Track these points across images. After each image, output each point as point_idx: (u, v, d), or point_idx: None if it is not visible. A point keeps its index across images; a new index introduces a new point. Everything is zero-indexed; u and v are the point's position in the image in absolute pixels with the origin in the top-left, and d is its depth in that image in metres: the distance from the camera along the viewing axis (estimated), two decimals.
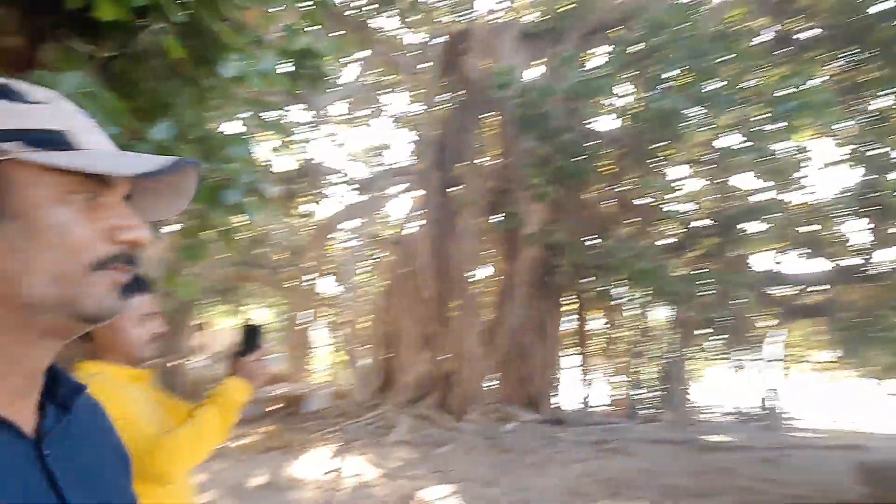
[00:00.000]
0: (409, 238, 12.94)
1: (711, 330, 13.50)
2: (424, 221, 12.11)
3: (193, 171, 0.68)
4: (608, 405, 13.91)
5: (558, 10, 11.30)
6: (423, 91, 12.92)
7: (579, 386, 13.41)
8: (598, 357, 14.57)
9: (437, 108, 12.45)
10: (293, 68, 4.13)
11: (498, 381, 12.06)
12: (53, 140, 0.60)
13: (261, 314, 23.94)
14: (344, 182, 13.79)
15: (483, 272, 12.51)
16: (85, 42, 3.13)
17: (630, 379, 14.04)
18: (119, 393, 1.64)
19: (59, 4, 2.95)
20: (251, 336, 1.84)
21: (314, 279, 15.90)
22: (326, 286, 17.15)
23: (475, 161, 11.73)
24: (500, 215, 11.56)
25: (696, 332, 13.79)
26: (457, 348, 11.54)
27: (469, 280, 11.42)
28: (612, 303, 12.82)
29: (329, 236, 14.93)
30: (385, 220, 16.29)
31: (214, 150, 3.58)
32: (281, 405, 12.32)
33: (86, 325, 0.62)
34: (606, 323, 14.57)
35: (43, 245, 0.59)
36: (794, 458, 8.43)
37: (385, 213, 15.85)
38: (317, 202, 14.93)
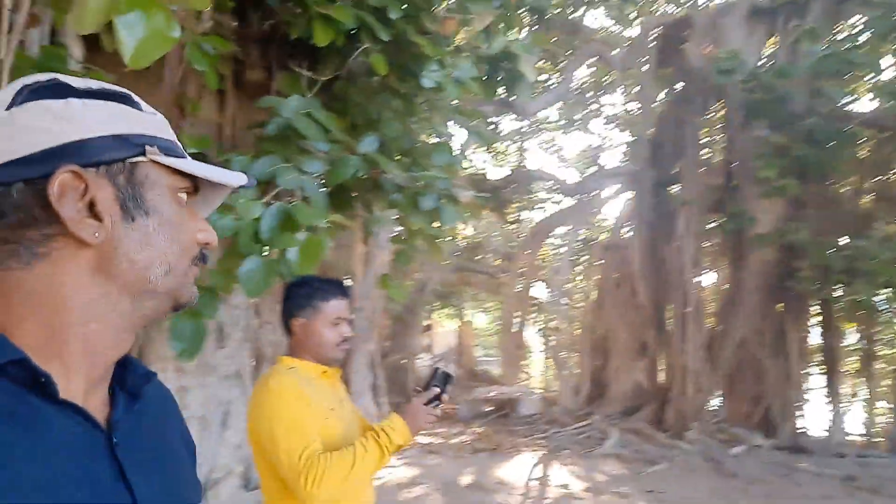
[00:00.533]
0: (623, 242, 12.39)
1: None
2: (638, 224, 11.48)
3: (227, 190, 0.76)
4: (864, 435, 11.73)
5: None
6: (638, 87, 12.31)
7: (827, 410, 11.51)
8: (854, 377, 12.37)
9: (654, 103, 11.76)
10: (489, 73, 4.22)
11: (723, 399, 10.91)
12: (173, 148, 0.68)
13: (478, 317, 24.91)
14: (556, 187, 13.74)
15: (705, 277, 11.46)
16: (307, 68, 3.55)
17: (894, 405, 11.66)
18: (306, 386, 1.80)
19: (287, 36, 3.40)
20: (439, 380, 1.90)
21: (527, 284, 16.06)
22: (539, 291, 17.24)
23: (695, 157, 10.80)
24: (724, 215, 10.48)
25: None
26: (675, 359, 10.70)
27: (689, 286, 10.52)
28: (870, 314, 10.79)
29: (542, 241, 14.97)
30: (598, 224, 15.86)
31: (419, 158, 3.81)
32: (493, 407, 12.63)
33: (173, 312, 0.69)
34: (862, 338, 12.31)
35: (167, 238, 0.66)
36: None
37: (598, 216, 15.43)
38: (529, 208, 15.10)
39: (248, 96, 3.93)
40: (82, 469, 0.60)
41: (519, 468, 7.91)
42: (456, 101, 4.07)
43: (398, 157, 3.67)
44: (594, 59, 11.50)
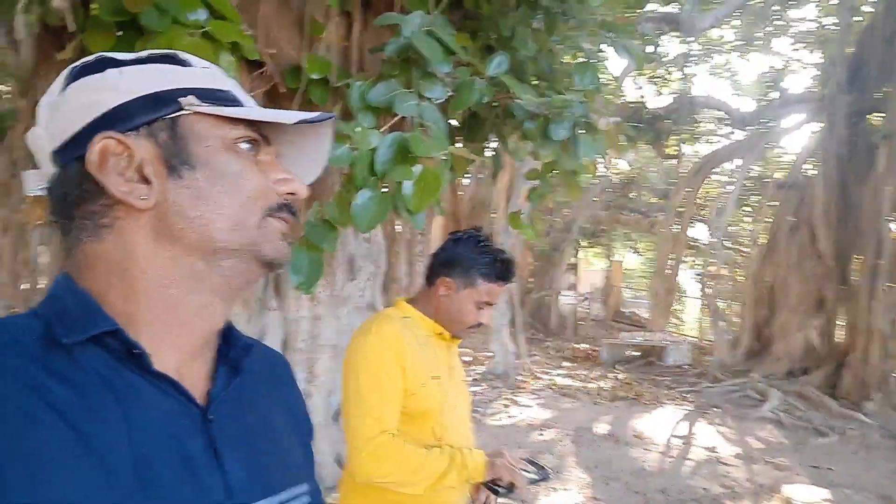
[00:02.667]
0: (804, 180, 10.81)
1: None
2: (825, 160, 9.88)
3: (329, 131, 0.72)
4: None
5: None
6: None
7: None
8: None
9: (856, 16, 9.82)
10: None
11: None
12: (221, 96, 0.66)
13: (629, 258, 23.78)
14: (726, 117, 12.25)
15: None
16: None
17: None
18: (413, 343, 1.60)
19: None
20: (538, 473, 1.68)
21: (686, 224, 14.83)
22: (699, 233, 15.96)
23: None
24: None
25: None
26: (859, 318, 9.28)
27: (884, 234, 8.93)
28: None
29: (705, 178, 13.60)
30: (774, 160, 14.05)
31: (559, 80, 3.36)
32: (638, 353, 12.01)
33: (264, 271, 0.65)
34: None
35: (224, 191, 0.63)
36: None
37: (775, 150, 13.63)
38: (693, 140, 13.75)
39: (375, 16, 3.68)
40: (174, 445, 0.59)
41: (660, 422, 7.42)
42: (607, 16, 3.50)
43: (534, 81, 3.24)
44: None
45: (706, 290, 13.66)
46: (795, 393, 9.02)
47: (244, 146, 0.66)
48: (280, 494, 0.66)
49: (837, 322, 10.10)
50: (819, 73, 10.68)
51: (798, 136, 12.39)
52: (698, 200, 14.39)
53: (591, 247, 21.33)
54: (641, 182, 16.47)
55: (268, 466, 0.67)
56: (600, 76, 3.25)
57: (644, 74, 12.40)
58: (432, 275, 1.72)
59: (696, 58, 12.85)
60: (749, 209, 14.68)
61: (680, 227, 13.89)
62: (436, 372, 1.61)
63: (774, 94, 12.36)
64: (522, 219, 3.71)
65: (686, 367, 11.37)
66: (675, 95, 12.57)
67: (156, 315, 0.62)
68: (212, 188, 0.62)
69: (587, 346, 13.16)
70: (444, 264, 1.70)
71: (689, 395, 9.02)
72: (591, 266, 23.26)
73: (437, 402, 1.59)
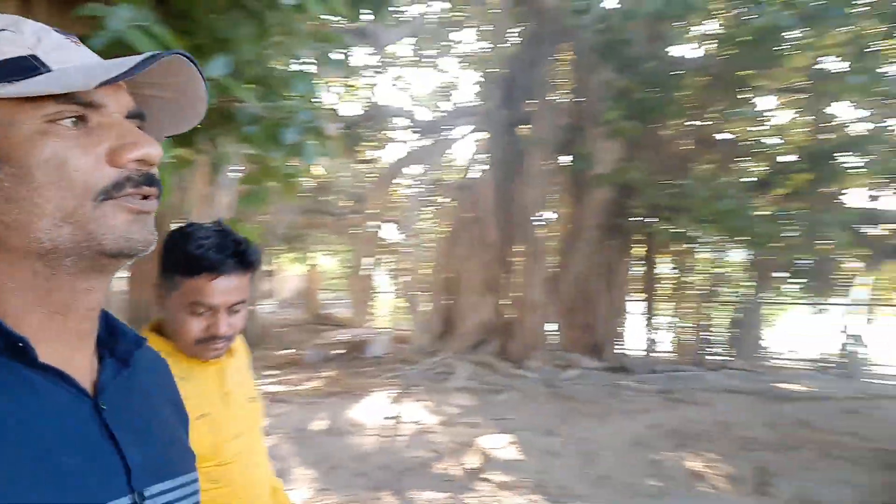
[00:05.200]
0: (474, 182, 12.65)
1: (792, 272, 12.69)
2: (490, 164, 11.74)
3: (193, 70, 0.63)
4: (675, 352, 13.48)
5: None
6: (492, 25, 12.26)
7: (646, 332, 13.00)
8: (667, 302, 14.06)
9: (507, 43, 11.84)
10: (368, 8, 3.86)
11: (561, 328, 11.83)
12: (21, 67, 0.56)
13: (326, 260, 24.49)
14: (408, 125, 13.54)
15: (550, 216, 12.11)
16: None
17: (700, 325, 13.50)
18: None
19: None
20: None
21: (377, 225, 15.95)
22: (389, 232, 17.23)
23: (546, 98, 11.14)
24: (570, 155, 11.03)
25: (774, 275, 13.02)
26: (520, 294, 11.33)
27: (535, 224, 11.06)
28: (685, 245, 12.21)
29: (393, 181, 14.82)
30: (450, 164, 16.03)
31: (275, 87, 3.41)
32: (343, 350, 12.58)
33: (118, 261, 0.60)
34: (675, 267, 13.95)
35: (40, 185, 0.55)
36: (879, 410, 7.88)
37: (450, 156, 15.56)
38: (381, 147, 14.79)
39: (63, 4, 3.24)
40: (72, 435, 0.58)
41: (372, 408, 7.97)
42: (313, 25, 3.70)
43: (250, 85, 3.27)
44: None
45: (399, 284, 14.95)
46: (477, 362, 10.58)
47: (66, 122, 0.57)
48: (176, 479, 0.67)
49: (506, 299, 12.12)
50: (479, 89, 12.62)
51: (467, 144, 14.37)
52: (388, 202, 15.63)
53: (288, 252, 21.33)
54: (334, 186, 17.12)
55: (163, 453, 0.67)
56: (314, 84, 3.44)
57: (338, 83, 13.00)
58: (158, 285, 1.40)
59: (379, 68, 13.96)
60: (432, 209, 16.48)
61: (373, 228, 14.96)
62: (203, 409, 1.34)
63: (447, 106, 14.18)
64: (241, 225, 3.69)
65: (387, 356, 12.29)
66: (363, 104, 13.46)
67: (25, 312, 0.59)
68: (20, 186, 0.55)
69: (292, 350, 13.23)
70: (159, 268, 1.38)
71: (393, 380, 9.83)
72: (288, 271, 23.25)
73: (207, 445, 1.31)
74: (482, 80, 12.43)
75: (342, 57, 3.48)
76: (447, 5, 12.26)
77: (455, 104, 13.70)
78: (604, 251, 11.53)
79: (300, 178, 3.62)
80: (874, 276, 13.72)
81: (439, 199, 14.94)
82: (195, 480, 0.72)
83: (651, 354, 12.72)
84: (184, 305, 1.33)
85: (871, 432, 6.57)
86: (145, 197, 0.59)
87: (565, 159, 11.21)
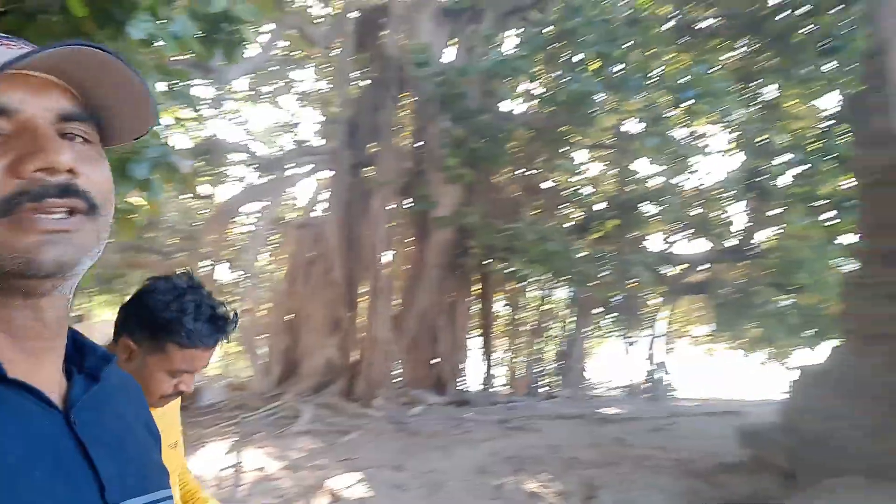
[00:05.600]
0: (317, 221, 12.57)
1: (608, 308, 14.19)
2: (333, 203, 11.78)
3: (122, 67, 0.58)
4: (511, 385, 14.31)
5: None
6: (335, 68, 12.46)
7: (484, 367, 13.68)
8: (502, 338, 14.95)
9: (350, 85, 12.10)
10: (207, 33, 3.80)
11: (406, 366, 12.04)
12: None
13: None
14: (247, 162, 13.16)
15: (394, 256, 12.39)
16: None
17: (531, 358, 14.52)
18: None
19: None
20: None
21: (211, 265, 15.10)
22: (224, 272, 16.38)
23: (389, 141, 11.52)
24: (412, 198, 11.45)
25: (593, 311, 14.44)
26: (365, 333, 11.39)
27: (379, 263, 11.26)
28: (517, 284, 13.16)
29: (229, 219, 14.21)
30: (290, 203, 15.76)
31: None
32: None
33: (35, 282, 0.55)
34: (508, 305, 14.94)
35: None
36: (680, 426, 9.05)
37: (290, 195, 15.31)
38: (217, 183, 14.17)
39: None
40: (45, 449, 0.56)
41: (209, 460, 7.48)
42: (158, 59, 3.59)
43: None
44: (292, 31, 11.31)
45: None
46: (322, 404, 10.38)
47: None
48: (150, 495, 0.66)
49: (351, 338, 12.07)
50: (321, 128, 12.72)
51: (309, 182, 14.25)
52: (224, 241, 14.93)
53: (103, 294, 19.31)
54: (162, 223, 16.00)
55: (136, 468, 0.65)
56: (160, 118, 3.33)
57: (173, 116, 12.31)
58: (117, 332, 1.35)
59: (217, 103, 13.49)
60: (271, 248, 16.01)
61: (205, 268, 14.15)
62: None
63: (288, 144, 14.04)
64: None
65: (223, 403, 11.59)
66: (198, 138, 12.87)
67: None
68: None
69: None
70: (131, 321, 1.32)
71: (230, 428, 9.30)
72: (100, 317, 20.99)
73: None
74: (325, 120, 12.57)
75: (187, 91, 3.42)
76: (287, 43, 12.30)
77: (297, 142, 13.63)
78: (445, 290, 12.04)
79: (140, 215, 3.44)
80: (672, 310, 15.80)
81: (279, 238, 14.62)
82: (169, 498, 0.69)
83: (490, 388, 13.38)
84: (165, 369, 1.31)
85: (675, 445, 7.54)
86: (57, 210, 0.54)
87: (408, 201, 11.63)
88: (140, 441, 0.70)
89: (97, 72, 0.57)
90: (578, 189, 12.48)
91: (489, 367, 13.74)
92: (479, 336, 14.04)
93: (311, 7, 12.43)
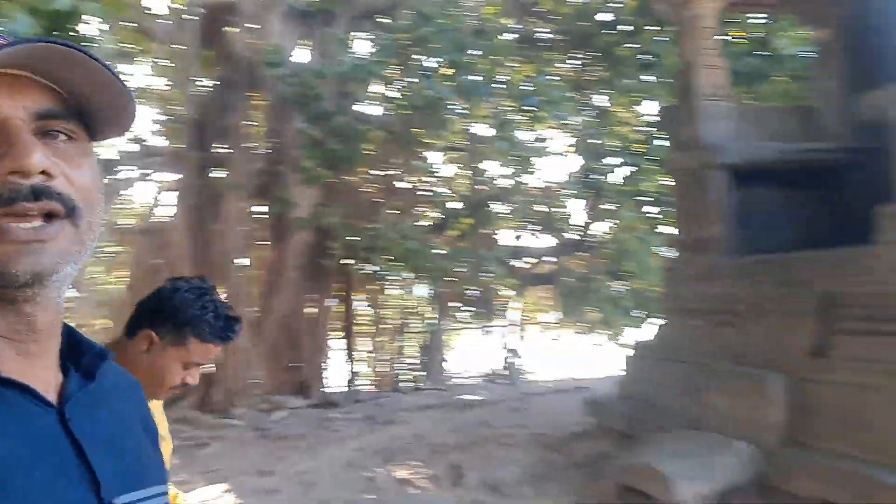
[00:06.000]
0: (162, 226, 11.78)
1: (465, 302, 14.84)
2: (181, 207, 11.12)
3: (93, 63, 0.57)
4: (376, 383, 14.46)
5: None
6: (177, 65, 11.69)
7: (348, 367, 13.69)
8: (365, 337, 15.04)
9: (196, 84, 11.46)
10: (49, 31, 3.50)
11: (267, 372, 11.71)
12: None
13: None
14: None
15: (250, 260, 11.96)
16: None
17: (395, 355, 14.78)
18: None
19: None
20: None
21: None
22: None
23: (240, 142, 11.09)
24: (268, 200, 11.13)
25: (451, 305, 15.02)
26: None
27: (234, 269, 10.84)
28: (379, 283, 13.33)
29: None
30: (129, 207, 14.56)
31: None
32: None
33: (15, 291, 0.54)
34: (370, 304, 15.08)
35: None
36: (535, 405, 9.78)
37: (129, 198, 14.15)
38: None
39: None
40: (42, 448, 0.56)
41: None
42: None
43: None
44: (131, 25, 10.50)
45: None
46: (177, 419, 9.80)
47: None
48: (145, 490, 0.65)
49: None
50: (163, 128, 11.92)
51: (153, 186, 13.27)
52: None
53: None
54: None
55: (131, 464, 0.65)
56: None
57: None
58: (135, 325, 1.48)
59: None
60: (108, 255, 14.72)
61: None
62: None
63: (123, 144, 12.96)
64: None
65: None
66: None
67: None
68: None
69: None
70: (153, 315, 1.46)
71: None
72: None
73: None
74: (166, 119, 11.83)
75: None
76: (128, 36, 11.41)
77: (134, 142, 12.66)
78: (305, 293, 11.88)
79: None
80: (523, 300, 16.88)
81: (117, 247, 13.49)
82: (164, 493, 0.70)
83: (354, 387, 13.42)
84: (181, 360, 1.47)
85: (530, 423, 8.16)
86: (32, 214, 0.53)
87: (264, 203, 11.33)
88: (136, 436, 0.70)
89: (73, 69, 0.56)
90: (434, 189, 12.92)
91: (353, 367, 13.78)
92: (341, 337, 14.01)
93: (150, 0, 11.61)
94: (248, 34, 10.69)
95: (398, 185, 12.63)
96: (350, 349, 13.83)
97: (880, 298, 3.98)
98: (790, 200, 5.89)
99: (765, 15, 9.24)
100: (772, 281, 4.86)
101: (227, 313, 1.51)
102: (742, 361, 4.67)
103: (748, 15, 9.48)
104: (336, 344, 13.89)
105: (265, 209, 11.39)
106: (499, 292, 15.18)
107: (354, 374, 13.75)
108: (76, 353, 0.66)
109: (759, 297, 4.88)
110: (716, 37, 6.07)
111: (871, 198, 4.15)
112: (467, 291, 13.65)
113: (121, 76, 0.60)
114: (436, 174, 12.94)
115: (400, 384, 13.73)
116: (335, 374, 13.45)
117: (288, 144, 10.74)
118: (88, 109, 0.61)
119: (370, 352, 15.13)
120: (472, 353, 17.75)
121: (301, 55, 11.35)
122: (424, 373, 14.50)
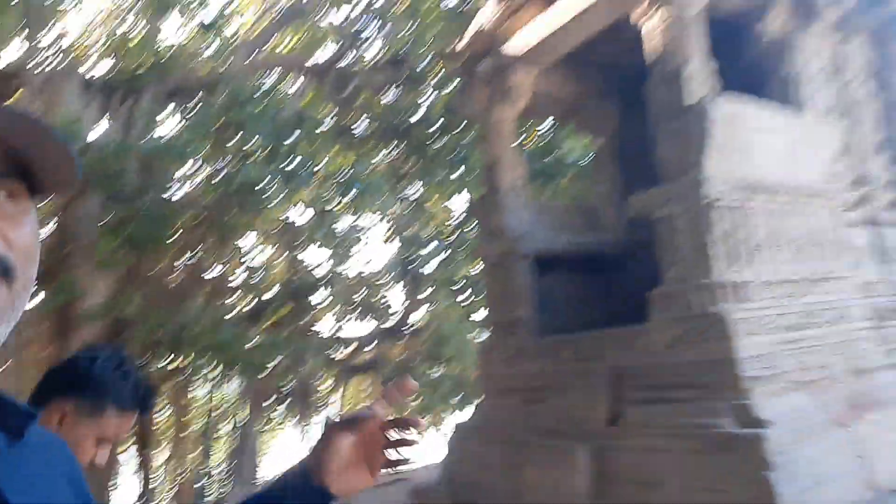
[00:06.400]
0: None
1: (281, 397, 14.05)
2: None
3: (38, 123, 0.59)
4: (175, 497, 12.83)
5: (134, 64, 10.55)
6: None
7: (140, 481, 12.01)
8: (163, 445, 13.40)
9: None
10: None
11: None
12: None
13: None
14: None
15: (21, 360, 10.21)
16: None
17: (198, 464, 13.33)
18: None
19: None
20: None
21: None
22: None
23: None
24: (51, 288, 9.76)
25: (265, 403, 14.11)
26: None
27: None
28: (183, 381, 12.14)
29: None
30: None
31: None
32: None
33: None
34: (171, 405, 13.60)
35: None
36: (360, 499, 9.33)
37: None
38: None
39: None
40: None
41: None
42: None
43: None
44: None
45: None
46: None
47: None
48: None
49: None
50: None
51: None
52: None
53: None
54: None
55: None
56: None
57: None
58: (44, 396, 1.35)
59: None
60: None
61: None
62: None
63: None
64: None
65: None
66: None
67: None
68: None
69: None
70: (69, 385, 1.35)
71: None
72: None
73: None
74: None
75: None
76: None
77: None
78: None
79: None
80: (344, 390, 16.43)
81: None
82: None
83: (148, 501, 11.76)
84: (95, 434, 1.35)
85: None
86: None
87: (47, 291, 9.93)
88: (65, 496, 0.70)
89: (14, 129, 0.58)
90: (249, 276, 12.41)
91: (147, 480, 12.13)
92: (133, 445, 12.36)
93: None
94: (36, 103, 9.71)
95: (210, 271, 11.92)
96: (144, 460, 12.20)
97: (658, 369, 4.54)
98: (583, 285, 6.62)
99: (552, 124, 10.64)
100: (572, 358, 5.32)
101: (146, 383, 1.47)
102: (552, 435, 4.96)
103: (539, 124, 10.87)
104: (126, 456, 12.20)
105: (45, 298, 9.98)
106: (318, 385, 14.65)
107: (148, 488, 12.10)
108: (3, 412, 0.66)
109: (562, 374, 5.29)
110: (514, 139, 6.82)
111: (646, 282, 4.82)
112: (285, 385, 12.99)
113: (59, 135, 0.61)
114: (251, 261, 12.49)
115: (204, 498, 12.34)
116: (122, 492, 11.73)
117: (81, 225, 9.68)
118: (30, 168, 0.61)
119: (168, 461, 13.48)
120: (288, 454, 16.65)
121: (103, 130, 10.53)
122: (233, 479, 13.24)
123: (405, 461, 0.92)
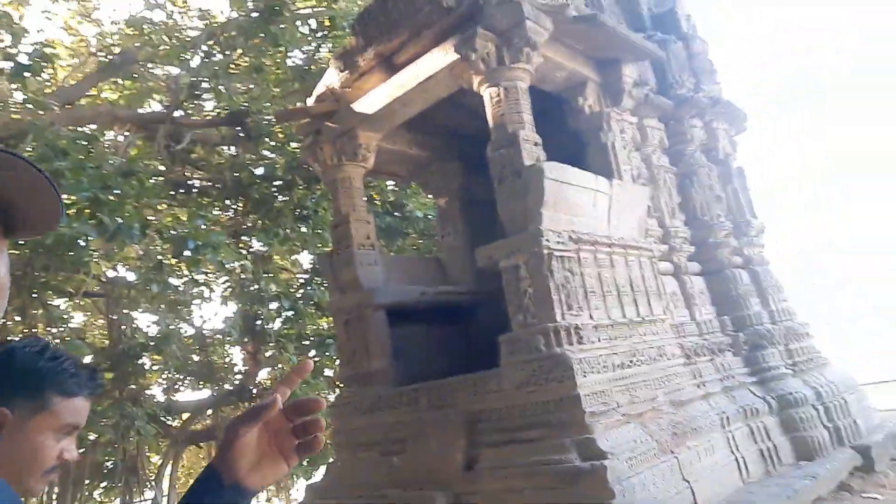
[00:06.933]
0: None
1: (103, 475, 12.44)
2: None
3: (24, 164, 0.58)
4: None
5: None
6: None
7: None
8: None
9: None
10: None
11: None
12: None
13: None
14: None
15: None
16: None
17: None
18: None
19: None
20: None
21: None
22: None
23: None
24: None
25: (85, 482, 12.42)
26: None
27: None
28: None
29: None
30: None
31: None
32: None
33: None
34: None
35: None
36: None
37: None
38: None
39: None
40: None
41: None
42: None
43: None
44: None
45: None
46: None
47: None
48: None
49: None
50: None
51: None
52: None
53: None
54: None
55: None
56: None
57: None
58: None
59: None
60: None
61: None
62: None
63: None
64: None
65: None
66: None
67: None
68: None
69: None
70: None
71: None
72: None
73: None
74: None
75: None
76: None
77: None
78: None
79: None
80: (178, 462, 14.96)
81: None
82: None
83: None
84: (52, 428, 1.21)
85: None
86: None
87: None
88: None
89: None
90: (64, 340, 11.06)
91: None
92: None
93: None
94: None
95: (16, 335, 10.45)
96: None
97: (509, 411, 4.81)
98: (436, 334, 6.83)
99: (399, 182, 11.01)
100: (428, 405, 5.43)
101: (83, 363, 1.35)
102: (411, 486, 4.98)
103: (386, 181, 11.19)
104: None
105: None
106: (148, 457, 13.21)
107: None
108: None
109: (419, 422, 5.37)
110: (362, 196, 6.98)
111: (496, 329, 5.12)
112: (108, 461, 11.53)
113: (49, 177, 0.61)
114: (66, 323, 11.19)
115: None
116: None
117: None
118: (8, 208, 0.61)
119: None
120: None
121: None
122: None
123: (317, 443, 0.92)
